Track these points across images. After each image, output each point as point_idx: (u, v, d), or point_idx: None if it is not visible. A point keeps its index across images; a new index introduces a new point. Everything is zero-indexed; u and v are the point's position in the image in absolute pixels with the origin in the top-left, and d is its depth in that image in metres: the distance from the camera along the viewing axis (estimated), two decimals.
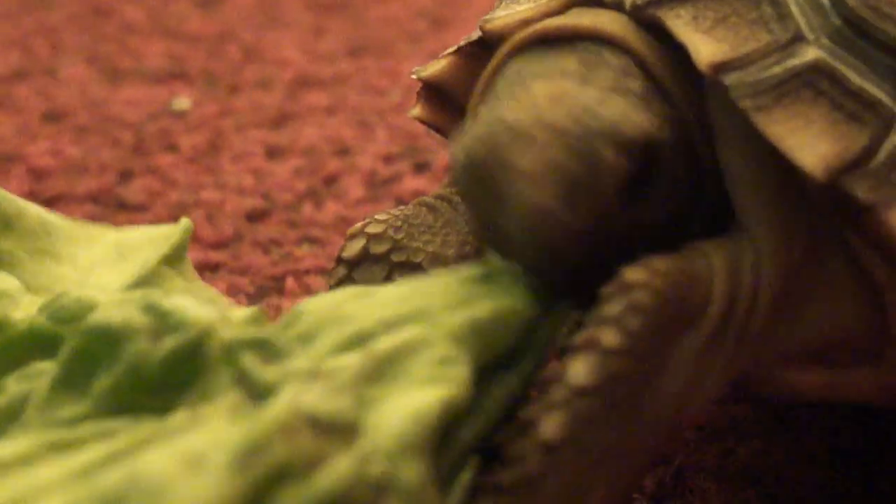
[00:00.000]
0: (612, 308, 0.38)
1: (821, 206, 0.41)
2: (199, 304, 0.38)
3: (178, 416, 0.34)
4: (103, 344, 0.37)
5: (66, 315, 0.39)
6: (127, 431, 0.35)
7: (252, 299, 0.61)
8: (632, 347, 0.37)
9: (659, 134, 0.40)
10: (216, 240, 0.63)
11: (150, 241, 0.44)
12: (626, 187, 0.39)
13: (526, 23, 0.45)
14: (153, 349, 0.36)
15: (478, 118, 0.42)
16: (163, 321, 0.37)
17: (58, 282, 0.43)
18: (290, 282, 0.60)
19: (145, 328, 0.36)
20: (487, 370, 0.39)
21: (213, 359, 0.36)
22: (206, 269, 0.62)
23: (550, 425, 0.36)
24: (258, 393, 0.35)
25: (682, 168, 0.42)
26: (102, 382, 0.36)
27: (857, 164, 0.39)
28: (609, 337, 0.37)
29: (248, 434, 0.32)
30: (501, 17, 0.46)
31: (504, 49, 0.44)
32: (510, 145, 0.38)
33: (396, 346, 0.37)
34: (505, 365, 0.40)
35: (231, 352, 0.36)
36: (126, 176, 0.68)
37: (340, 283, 0.46)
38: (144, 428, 0.35)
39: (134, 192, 0.66)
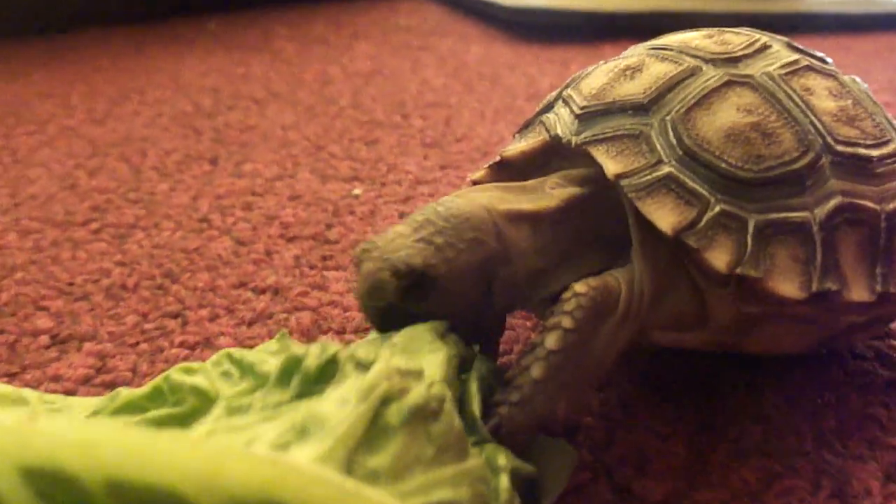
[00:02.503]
0: (568, 306, 0.41)
1: (672, 248, 0.44)
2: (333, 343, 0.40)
3: (329, 388, 0.37)
4: (294, 362, 0.40)
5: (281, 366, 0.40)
6: (305, 403, 0.38)
7: None
8: (578, 328, 0.40)
9: (425, 269, 0.40)
10: None
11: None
12: (402, 293, 0.40)
13: (523, 153, 0.49)
14: (316, 361, 0.39)
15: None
16: (322, 350, 0.40)
17: None
18: None
19: (313, 353, 0.40)
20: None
21: (344, 362, 0.39)
22: None
23: (537, 368, 0.40)
24: (368, 369, 0.37)
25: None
26: (293, 381, 0.39)
27: (689, 227, 0.43)
28: (566, 322, 0.41)
29: (366, 382, 0.35)
30: (510, 150, 0.50)
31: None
32: (368, 253, 0.42)
33: (411, 334, 0.40)
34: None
35: (352, 356, 0.39)
36: (329, 226, 0.73)
37: None
38: (313, 399, 0.37)
39: (332, 234, 0.72)
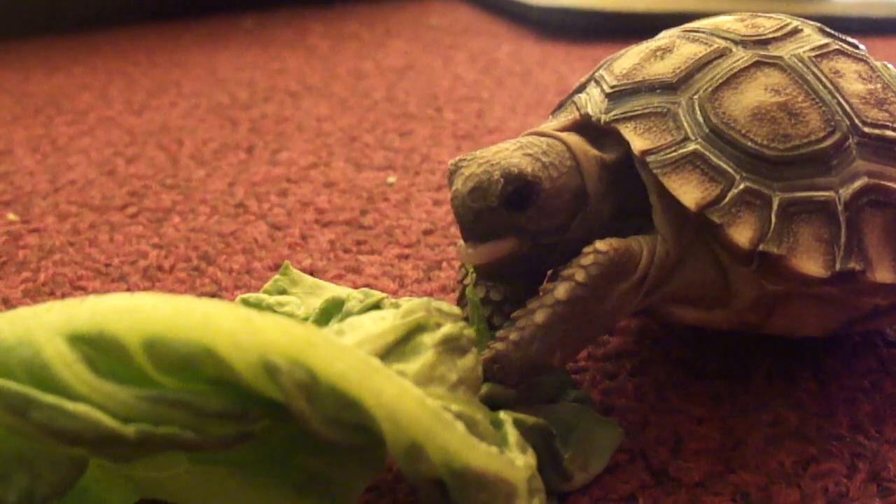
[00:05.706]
0: (586, 260, 0.42)
1: (696, 223, 0.45)
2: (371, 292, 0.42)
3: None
4: (333, 306, 0.42)
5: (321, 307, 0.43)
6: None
7: (425, 272, 0.65)
8: (590, 283, 0.41)
9: (533, 179, 0.42)
10: (407, 243, 0.69)
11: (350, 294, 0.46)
12: (505, 197, 0.42)
13: (554, 131, 0.48)
14: (357, 306, 0.41)
15: None
16: (366, 295, 0.42)
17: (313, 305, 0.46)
18: (444, 265, 0.65)
19: (355, 296, 0.42)
20: None
21: (387, 307, 0.41)
22: (401, 258, 0.67)
23: (541, 314, 0.41)
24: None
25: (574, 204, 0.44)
26: (331, 324, 0.41)
27: (713, 203, 0.43)
28: (580, 276, 0.42)
29: (405, 308, 0.38)
30: (542, 128, 0.49)
31: None
32: (469, 161, 0.43)
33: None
34: None
35: (395, 302, 0.41)
36: (363, 213, 0.74)
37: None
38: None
39: (367, 220, 0.73)
